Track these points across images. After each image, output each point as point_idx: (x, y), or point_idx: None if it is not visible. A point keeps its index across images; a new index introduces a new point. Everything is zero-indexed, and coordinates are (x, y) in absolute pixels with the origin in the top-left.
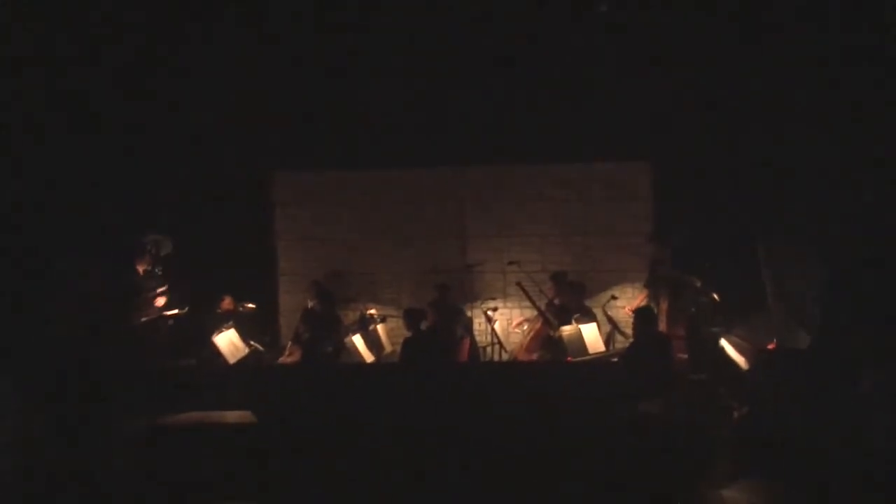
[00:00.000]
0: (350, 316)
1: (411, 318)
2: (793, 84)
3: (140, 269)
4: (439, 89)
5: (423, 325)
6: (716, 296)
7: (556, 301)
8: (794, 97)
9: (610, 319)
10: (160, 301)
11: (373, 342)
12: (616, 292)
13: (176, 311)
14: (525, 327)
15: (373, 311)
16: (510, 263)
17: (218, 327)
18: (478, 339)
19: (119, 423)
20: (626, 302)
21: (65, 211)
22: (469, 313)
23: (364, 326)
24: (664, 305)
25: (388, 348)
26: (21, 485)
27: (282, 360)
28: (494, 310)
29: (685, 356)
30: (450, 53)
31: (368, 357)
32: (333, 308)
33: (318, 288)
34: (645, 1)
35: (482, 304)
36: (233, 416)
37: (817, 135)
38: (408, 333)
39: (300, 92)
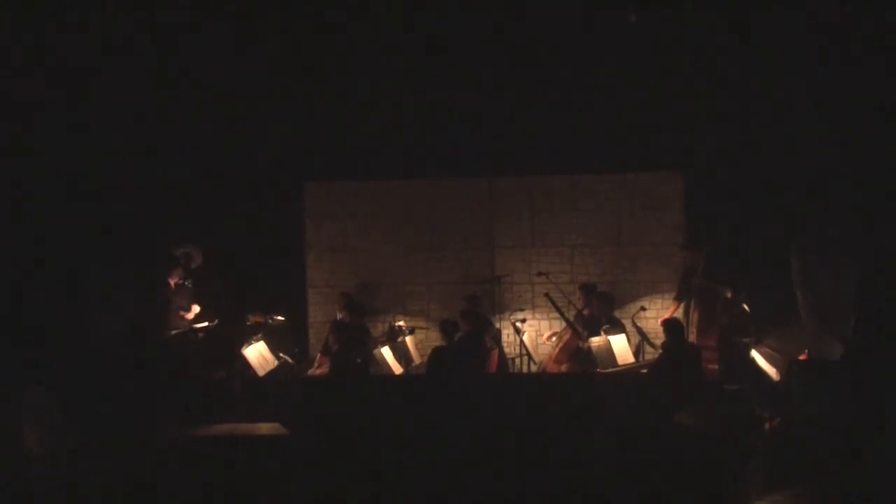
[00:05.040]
0: (379, 327)
1: (448, 329)
2: (829, 95)
3: (171, 281)
4: (470, 100)
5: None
6: (746, 306)
7: (586, 312)
8: (830, 108)
9: (639, 330)
10: (190, 313)
11: (401, 354)
12: (646, 303)
13: (206, 324)
14: (554, 339)
15: (401, 323)
16: (539, 274)
17: (247, 339)
18: (506, 350)
19: (150, 435)
20: (656, 313)
21: (99, 224)
22: (498, 324)
23: (393, 338)
24: (695, 316)
25: (416, 360)
26: (57, 495)
27: (311, 371)
28: (523, 321)
29: (716, 367)
30: (482, 65)
31: (397, 369)
32: (362, 320)
33: (348, 299)
34: (677, 11)
35: (511, 315)
36: (263, 427)
37: (853, 145)
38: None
39: (330, 102)
